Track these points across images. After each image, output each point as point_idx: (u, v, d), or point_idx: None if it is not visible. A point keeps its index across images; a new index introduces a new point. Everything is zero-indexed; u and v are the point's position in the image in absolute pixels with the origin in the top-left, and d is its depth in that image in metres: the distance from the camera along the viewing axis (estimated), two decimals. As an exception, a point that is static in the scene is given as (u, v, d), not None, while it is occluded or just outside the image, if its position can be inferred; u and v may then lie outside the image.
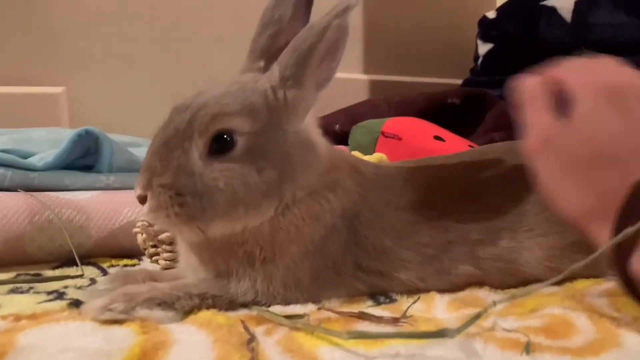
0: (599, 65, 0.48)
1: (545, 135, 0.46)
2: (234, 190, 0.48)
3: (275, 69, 0.51)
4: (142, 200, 0.49)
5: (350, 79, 1.61)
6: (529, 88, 0.48)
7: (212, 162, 0.48)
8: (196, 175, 0.48)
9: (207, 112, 0.48)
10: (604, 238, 0.41)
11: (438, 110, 1.33)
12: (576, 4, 1.28)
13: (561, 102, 0.47)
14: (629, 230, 0.39)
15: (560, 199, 0.45)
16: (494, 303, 0.43)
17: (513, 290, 0.54)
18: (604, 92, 0.45)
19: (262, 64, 0.56)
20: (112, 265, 0.72)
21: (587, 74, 0.47)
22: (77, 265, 0.68)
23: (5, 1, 1.22)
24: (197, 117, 0.48)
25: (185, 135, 0.48)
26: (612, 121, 0.44)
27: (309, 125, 0.55)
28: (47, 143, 0.93)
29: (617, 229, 0.40)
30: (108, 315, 0.46)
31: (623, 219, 0.40)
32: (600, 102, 0.45)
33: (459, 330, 0.39)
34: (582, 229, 0.44)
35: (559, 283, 0.49)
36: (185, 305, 0.49)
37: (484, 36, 1.52)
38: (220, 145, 0.49)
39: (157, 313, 0.47)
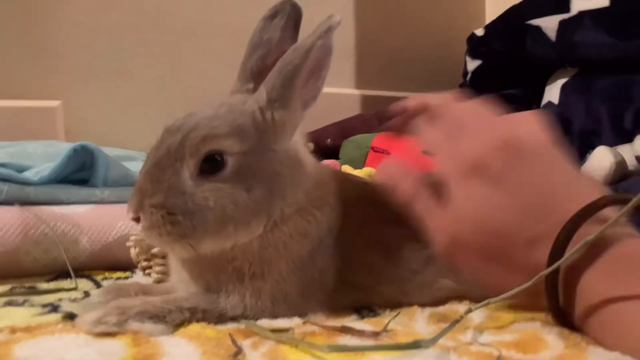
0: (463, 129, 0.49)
1: (450, 237, 0.47)
2: (224, 209, 0.50)
3: (262, 91, 0.53)
4: (136, 220, 0.51)
5: (342, 94, 1.64)
6: (405, 185, 0.51)
7: (203, 182, 0.50)
8: (187, 194, 0.50)
9: (198, 134, 0.50)
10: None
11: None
12: (560, 24, 1.32)
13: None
14: (590, 238, 0.41)
15: (495, 286, 0.46)
16: (470, 309, 0.45)
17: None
18: (468, 169, 0.46)
19: (251, 85, 0.58)
20: (106, 278, 0.74)
21: (451, 151, 0.48)
22: (71, 278, 0.70)
23: (2, 15, 1.25)
24: (188, 139, 0.50)
25: (176, 156, 0.50)
26: (489, 196, 0.45)
27: (297, 143, 0.57)
28: (43, 156, 0.95)
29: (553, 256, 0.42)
30: (101, 328, 0.47)
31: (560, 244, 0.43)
32: (469, 183, 0.46)
33: (432, 340, 0.41)
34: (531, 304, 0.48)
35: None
36: (176, 319, 0.50)
37: (473, 53, 1.56)
38: (210, 165, 0.51)
39: (149, 326, 0.49)
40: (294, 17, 0.59)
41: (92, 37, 1.33)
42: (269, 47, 0.58)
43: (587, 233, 0.42)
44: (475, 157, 0.46)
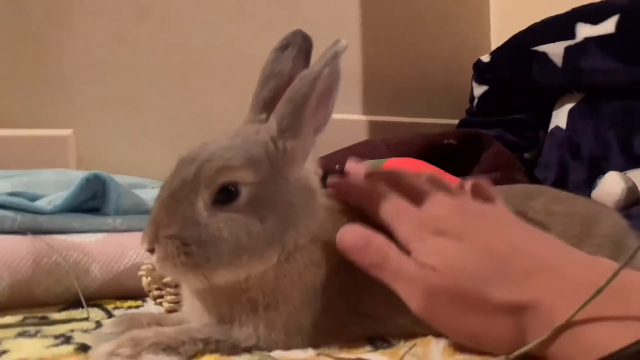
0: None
1: (423, 294, 0.49)
2: (238, 240, 0.50)
3: (273, 121, 0.54)
4: (150, 252, 0.51)
5: (349, 120, 1.65)
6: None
7: (217, 212, 0.51)
8: (202, 225, 0.50)
9: (213, 165, 0.51)
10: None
11: (435, 150, 1.36)
12: (566, 50, 1.33)
13: None
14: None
15: (480, 336, 0.48)
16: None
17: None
18: (429, 231, 0.50)
19: (264, 115, 0.59)
20: (117, 307, 0.74)
21: (411, 217, 0.52)
22: (82, 308, 0.70)
23: (16, 45, 1.27)
24: (202, 170, 0.51)
25: (191, 188, 0.51)
26: (452, 248, 0.48)
27: (308, 171, 0.57)
28: (55, 185, 0.96)
29: None
30: (115, 360, 0.47)
31: None
32: (431, 243, 0.49)
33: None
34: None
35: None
36: (189, 350, 0.50)
37: (479, 79, 1.57)
38: (224, 196, 0.51)
39: (163, 358, 0.48)
40: (305, 48, 0.60)
41: (104, 68, 1.35)
42: (281, 77, 0.59)
43: None
44: (436, 221, 0.50)
